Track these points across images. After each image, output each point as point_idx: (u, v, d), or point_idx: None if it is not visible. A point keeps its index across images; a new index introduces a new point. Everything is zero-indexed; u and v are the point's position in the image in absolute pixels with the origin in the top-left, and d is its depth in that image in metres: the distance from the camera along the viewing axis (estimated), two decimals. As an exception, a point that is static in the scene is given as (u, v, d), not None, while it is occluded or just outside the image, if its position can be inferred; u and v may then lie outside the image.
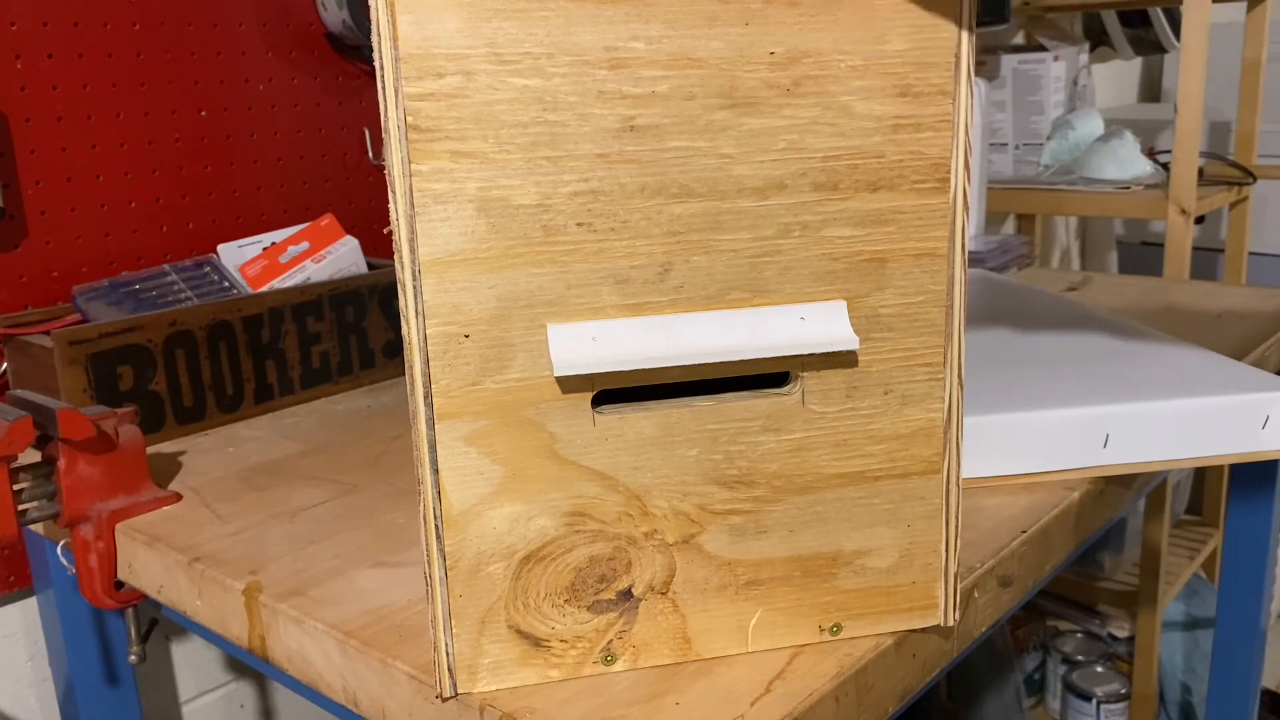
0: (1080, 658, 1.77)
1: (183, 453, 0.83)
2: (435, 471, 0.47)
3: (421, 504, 0.48)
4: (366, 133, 1.14)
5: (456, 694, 0.50)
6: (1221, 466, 1.83)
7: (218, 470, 0.79)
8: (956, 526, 0.53)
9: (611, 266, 0.47)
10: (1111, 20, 2.03)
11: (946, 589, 0.54)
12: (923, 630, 0.54)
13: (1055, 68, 1.77)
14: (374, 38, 0.43)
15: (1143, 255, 2.33)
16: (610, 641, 0.51)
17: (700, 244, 0.48)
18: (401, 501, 0.72)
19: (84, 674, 0.89)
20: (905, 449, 0.52)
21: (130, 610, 0.75)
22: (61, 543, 0.75)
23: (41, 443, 0.71)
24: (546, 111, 0.45)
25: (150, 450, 0.82)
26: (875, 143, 0.48)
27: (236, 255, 0.98)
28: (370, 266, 1.01)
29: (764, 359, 0.49)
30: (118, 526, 0.71)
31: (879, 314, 0.50)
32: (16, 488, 0.69)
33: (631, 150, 0.46)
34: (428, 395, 0.47)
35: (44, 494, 0.70)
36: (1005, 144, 1.83)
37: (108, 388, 0.81)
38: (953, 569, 0.54)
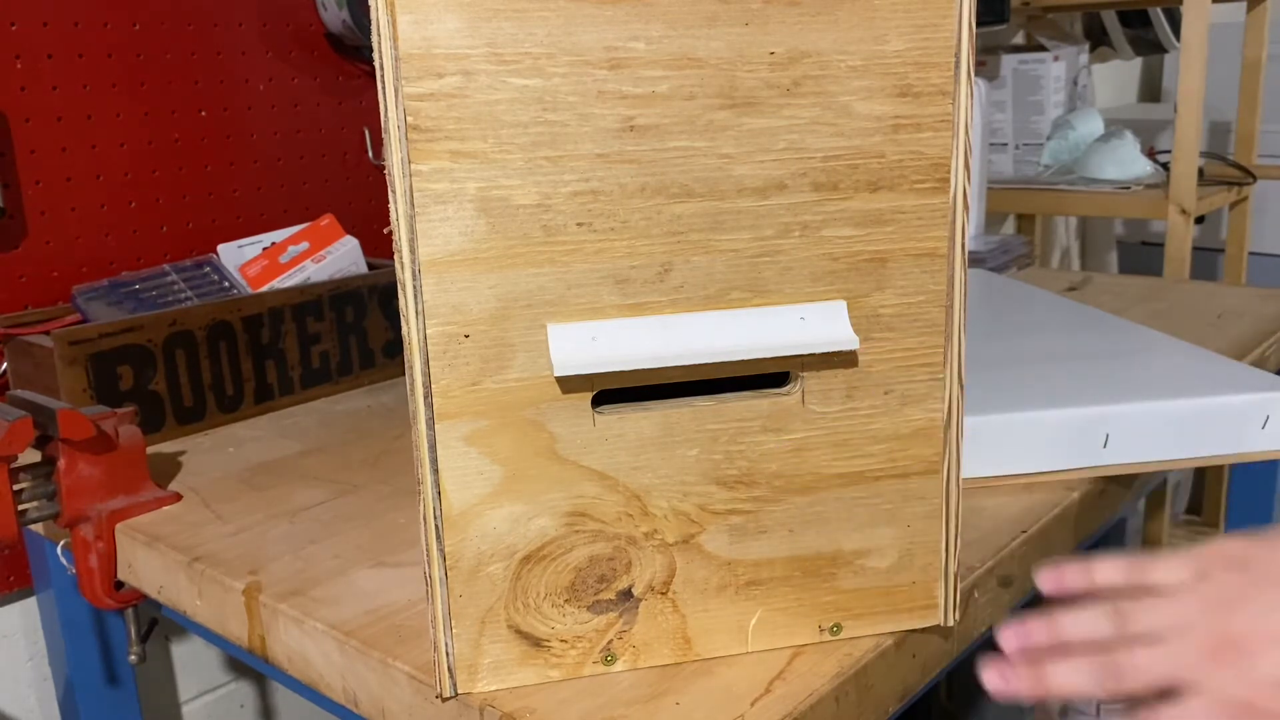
0: (1080, 658, 1.76)
1: (183, 453, 0.83)
2: (435, 471, 0.47)
3: (421, 504, 0.48)
4: (366, 133, 1.14)
5: (456, 694, 0.50)
6: (1221, 466, 1.83)
7: (218, 470, 0.79)
8: (956, 526, 0.53)
9: (611, 266, 0.47)
10: (1111, 20, 2.03)
11: (946, 589, 0.54)
12: (923, 630, 0.54)
13: (1055, 68, 1.77)
14: (374, 38, 0.43)
15: (1143, 255, 2.33)
16: (610, 641, 0.51)
17: (700, 244, 0.48)
18: (401, 501, 0.72)
19: (84, 674, 0.89)
20: (905, 449, 0.52)
21: (130, 610, 0.74)
22: (61, 543, 0.75)
23: (41, 443, 0.71)
24: (546, 111, 0.45)
25: (150, 450, 0.82)
26: (875, 143, 0.48)
27: (236, 255, 0.98)
28: (370, 266, 1.01)
29: (764, 359, 0.49)
30: (118, 526, 0.71)
31: (879, 314, 0.50)
32: (16, 488, 0.69)
33: (631, 150, 0.46)
34: (428, 395, 0.47)
35: (44, 494, 0.70)
36: (1005, 144, 1.82)
37: (108, 388, 0.81)
38: (953, 569, 0.54)
